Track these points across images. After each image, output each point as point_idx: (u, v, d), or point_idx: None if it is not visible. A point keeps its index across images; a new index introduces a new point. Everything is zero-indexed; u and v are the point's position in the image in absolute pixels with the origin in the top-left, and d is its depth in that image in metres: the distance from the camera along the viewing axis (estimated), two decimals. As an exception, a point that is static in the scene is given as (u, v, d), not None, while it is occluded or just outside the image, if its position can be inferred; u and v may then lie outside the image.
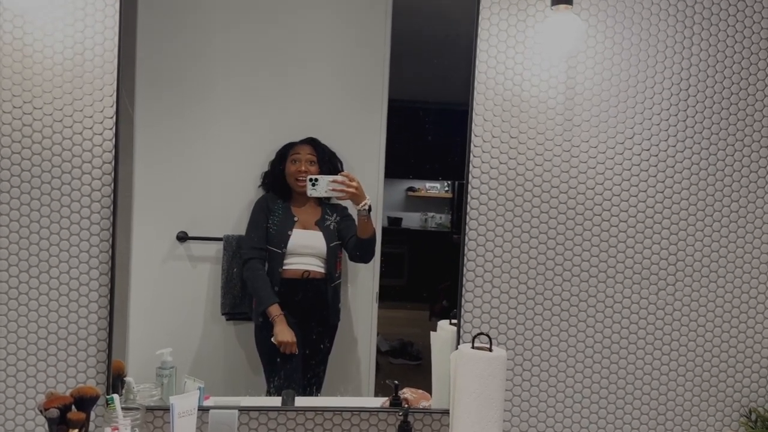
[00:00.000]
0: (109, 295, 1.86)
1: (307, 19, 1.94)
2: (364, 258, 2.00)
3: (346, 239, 1.98)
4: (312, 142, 1.96)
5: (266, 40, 1.93)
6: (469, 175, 2.00)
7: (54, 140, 1.84)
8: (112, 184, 1.85)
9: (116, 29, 1.84)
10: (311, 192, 1.93)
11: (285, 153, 1.95)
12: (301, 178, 1.94)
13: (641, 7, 2.05)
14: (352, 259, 2.00)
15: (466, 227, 2.00)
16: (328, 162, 1.96)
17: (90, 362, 1.88)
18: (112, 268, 1.84)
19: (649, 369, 2.10)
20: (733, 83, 2.09)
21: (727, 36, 2.09)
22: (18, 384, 1.86)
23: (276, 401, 1.92)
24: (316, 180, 1.93)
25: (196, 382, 1.87)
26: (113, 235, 1.84)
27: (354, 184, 1.93)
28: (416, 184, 2.08)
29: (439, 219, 2.11)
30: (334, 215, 1.99)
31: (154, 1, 1.88)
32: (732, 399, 2.14)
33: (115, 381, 1.84)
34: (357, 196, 1.94)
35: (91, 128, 1.85)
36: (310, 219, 1.98)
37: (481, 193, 2.02)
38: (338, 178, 1.93)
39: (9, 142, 1.83)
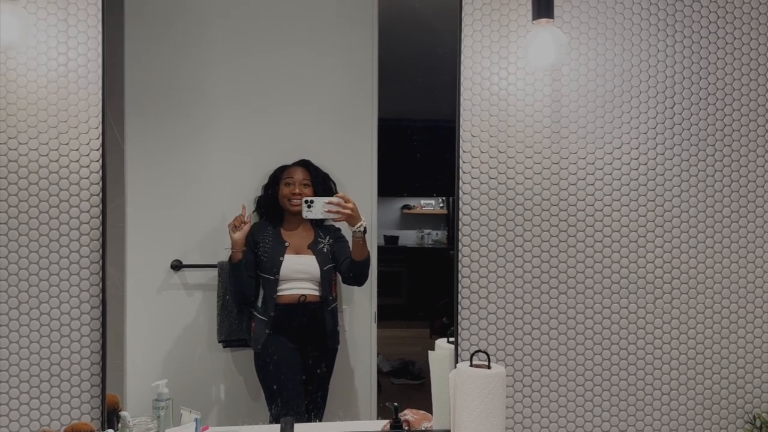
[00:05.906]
0: (101, 328, 1.83)
1: (297, 42, 1.95)
2: (358, 281, 1.98)
3: (340, 261, 1.96)
4: (305, 164, 1.95)
5: (255, 64, 1.94)
6: (459, 191, 2.00)
7: (40, 174, 1.82)
8: (101, 216, 1.83)
9: (99, 61, 1.83)
10: (306, 214, 1.92)
11: (278, 176, 1.94)
12: (295, 201, 1.93)
13: (622, 18, 2.07)
14: (345, 281, 1.98)
15: (459, 243, 1.99)
16: (322, 183, 1.95)
17: (84, 397, 1.84)
18: (103, 300, 1.82)
19: (651, 379, 2.09)
20: (717, 89, 2.11)
21: (709, 43, 2.11)
22: (11, 423, 1.82)
23: (275, 429, 1.89)
24: (312, 202, 1.91)
25: (192, 413, 1.84)
26: (103, 267, 1.82)
27: (350, 205, 1.92)
28: (411, 201, 2.08)
29: (435, 235, 2.11)
30: (327, 237, 1.97)
31: (141, 29, 1.88)
32: (736, 405, 2.12)
33: (110, 416, 1.81)
34: (352, 218, 1.92)
35: (77, 161, 1.83)
36: (303, 243, 1.96)
37: (473, 209, 2.01)
38: (334, 199, 1.92)
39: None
